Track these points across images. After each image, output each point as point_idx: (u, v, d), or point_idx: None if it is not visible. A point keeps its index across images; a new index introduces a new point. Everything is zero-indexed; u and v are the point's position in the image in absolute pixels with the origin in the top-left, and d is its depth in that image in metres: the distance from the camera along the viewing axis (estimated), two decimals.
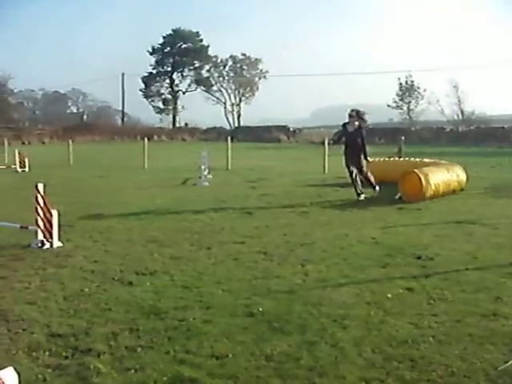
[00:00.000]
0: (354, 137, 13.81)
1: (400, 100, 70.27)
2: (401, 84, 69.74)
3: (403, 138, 23.19)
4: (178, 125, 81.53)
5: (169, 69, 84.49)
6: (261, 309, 5.98)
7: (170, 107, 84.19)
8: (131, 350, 4.99)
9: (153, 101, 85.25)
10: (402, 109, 70.59)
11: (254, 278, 7.22)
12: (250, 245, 9.21)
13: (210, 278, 7.24)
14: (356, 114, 13.77)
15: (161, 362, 4.74)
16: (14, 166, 25.97)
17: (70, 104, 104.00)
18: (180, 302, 6.27)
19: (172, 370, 4.58)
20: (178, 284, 6.98)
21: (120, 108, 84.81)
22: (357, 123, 13.81)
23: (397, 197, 13.98)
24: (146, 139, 27.34)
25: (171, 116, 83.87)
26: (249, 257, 8.38)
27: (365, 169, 14.22)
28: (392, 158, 19.33)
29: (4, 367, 3.06)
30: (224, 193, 16.19)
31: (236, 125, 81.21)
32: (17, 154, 26.33)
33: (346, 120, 14.11)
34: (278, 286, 6.90)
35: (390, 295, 6.45)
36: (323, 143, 23.07)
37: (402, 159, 19.01)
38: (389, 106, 70.95)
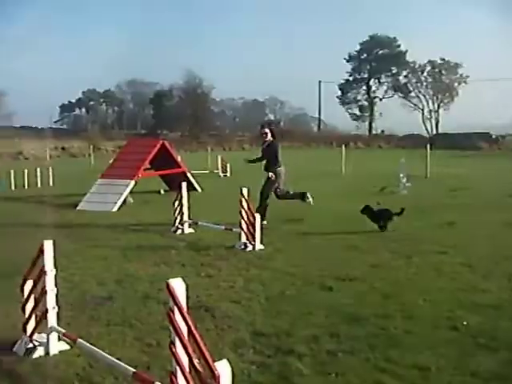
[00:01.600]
0: (268, 153, 12.61)
1: None
2: None
3: None
4: (374, 132, 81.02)
5: (365, 75, 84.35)
6: (465, 323, 5.73)
7: (367, 114, 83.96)
8: (332, 354, 5.03)
9: (349, 108, 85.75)
10: None
11: (456, 290, 6.94)
12: (451, 255, 8.86)
13: (411, 288, 7.07)
14: (268, 130, 12.58)
15: (361, 369, 4.72)
16: (216, 171, 27.42)
17: (267, 111, 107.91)
18: (380, 309, 6.20)
19: (373, 378, 4.55)
20: (378, 292, 6.91)
21: (316, 115, 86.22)
22: (269, 138, 12.54)
23: None
24: (343, 146, 27.45)
25: (367, 123, 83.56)
26: (451, 268, 8.07)
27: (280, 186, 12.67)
28: None
29: (217, 360, 3.22)
30: (423, 201, 15.77)
31: (434, 132, 78.75)
32: (219, 159, 27.78)
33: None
34: (483, 300, 6.56)
35: None
36: None
37: None
38: None
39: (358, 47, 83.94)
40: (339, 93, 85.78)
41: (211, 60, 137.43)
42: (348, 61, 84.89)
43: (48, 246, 5.01)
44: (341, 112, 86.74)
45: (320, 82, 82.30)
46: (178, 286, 3.43)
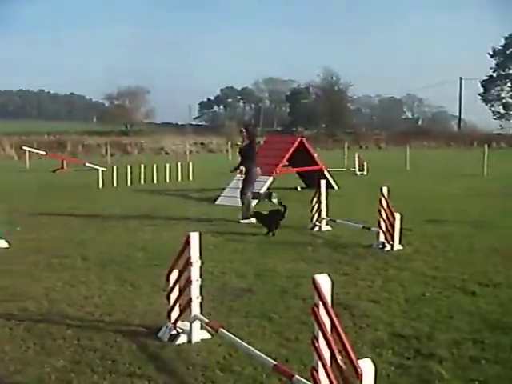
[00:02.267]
0: (244, 153, 12.75)
1: None
2: None
3: None
4: None
5: (510, 71, 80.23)
6: None
7: (511, 112, 79.83)
8: (475, 361, 4.86)
9: (492, 106, 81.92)
10: None
11: None
12: None
13: None
14: (245, 130, 12.80)
15: (506, 378, 4.53)
16: (353, 169, 27.26)
17: (405, 109, 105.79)
18: None
19: None
20: None
21: (456, 113, 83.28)
22: (246, 139, 12.71)
23: None
24: (485, 146, 26.31)
25: None
26: None
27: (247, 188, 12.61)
28: None
29: (361, 358, 3.22)
30: None
31: None
32: (356, 157, 27.62)
33: None
34: None
35: None
36: None
37: None
38: None
39: (502, 41, 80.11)
40: (481, 90, 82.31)
41: (349, 57, 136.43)
42: (492, 56, 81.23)
43: (194, 237, 5.22)
44: (483, 110, 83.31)
45: (461, 78, 79.40)
46: (323, 281, 3.47)
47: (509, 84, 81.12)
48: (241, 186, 12.79)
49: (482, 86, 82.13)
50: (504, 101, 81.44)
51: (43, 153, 35.41)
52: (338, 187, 18.92)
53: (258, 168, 12.69)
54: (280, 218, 10.85)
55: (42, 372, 4.70)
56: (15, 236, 10.46)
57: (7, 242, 9.88)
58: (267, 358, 4.31)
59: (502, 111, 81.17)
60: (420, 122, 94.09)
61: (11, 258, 8.95)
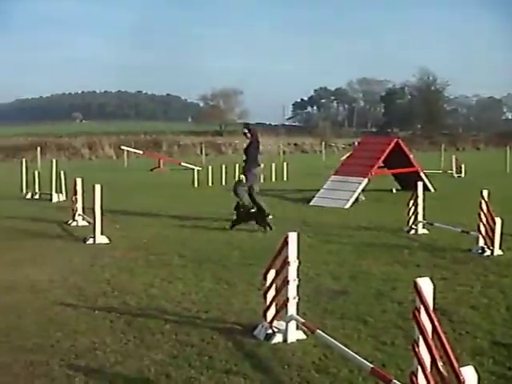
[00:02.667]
0: (247, 153, 12.45)
1: None
2: None
3: None
4: None
5: None
6: None
7: None
8: None
9: None
10: None
11: None
12: None
13: None
14: (247, 130, 12.51)
15: None
16: (450, 171, 26.57)
17: (505, 110, 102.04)
18: None
19: None
20: None
21: None
22: (249, 139, 12.44)
23: None
24: None
25: None
26: None
27: (254, 188, 12.21)
28: None
29: (465, 365, 3.15)
30: None
31: None
32: (454, 159, 26.89)
33: None
34: None
35: None
36: None
37: None
38: None
39: None
40: None
41: (445, 57, 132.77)
42: None
43: (292, 237, 5.25)
44: None
45: None
46: (425, 285, 3.42)
47: None
48: (248, 188, 12.21)
49: None
50: None
51: (141, 152, 36.54)
52: (435, 190, 18.48)
53: (259, 168, 12.52)
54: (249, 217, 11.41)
55: (141, 364, 4.85)
56: (115, 233, 10.87)
57: (108, 238, 10.28)
58: (364, 361, 4.28)
59: None
60: None
61: (112, 253, 9.30)
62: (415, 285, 3.41)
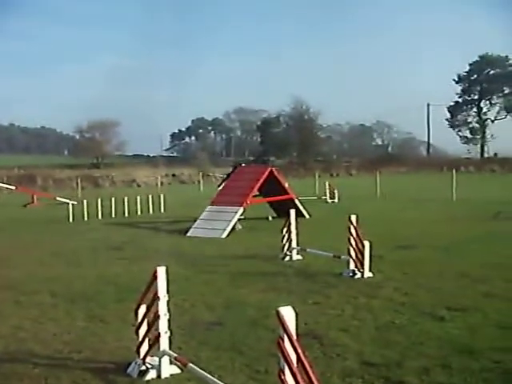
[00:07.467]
0: None
1: None
2: None
3: None
4: (486, 155, 78.13)
5: (476, 97, 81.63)
6: None
7: (478, 137, 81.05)
8: None
9: (459, 131, 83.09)
10: None
11: None
12: None
13: None
14: None
15: None
16: (324, 197, 27.39)
17: (375, 136, 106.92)
18: (496, 342, 5.95)
19: None
20: (492, 323, 6.65)
21: (425, 139, 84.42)
22: None
23: None
24: (453, 170, 26.65)
25: (479, 146, 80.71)
26: None
27: None
28: None
29: None
30: None
31: None
32: (327, 185, 27.76)
33: None
34: None
35: None
36: None
37: None
38: None
39: (467, 68, 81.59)
40: (448, 115, 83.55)
41: (317, 86, 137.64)
42: (457, 82, 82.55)
43: (161, 272, 5.20)
44: (451, 135, 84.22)
45: (428, 104, 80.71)
46: (287, 313, 3.47)
47: (474, 109, 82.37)
48: None
49: (449, 111, 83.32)
50: (471, 126, 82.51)
51: (13, 187, 35.02)
52: (310, 216, 18.97)
53: None
54: None
55: None
56: None
57: None
58: None
59: (469, 136, 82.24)
60: (390, 149, 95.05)
61: None
62: (277, 313, 3.46)
